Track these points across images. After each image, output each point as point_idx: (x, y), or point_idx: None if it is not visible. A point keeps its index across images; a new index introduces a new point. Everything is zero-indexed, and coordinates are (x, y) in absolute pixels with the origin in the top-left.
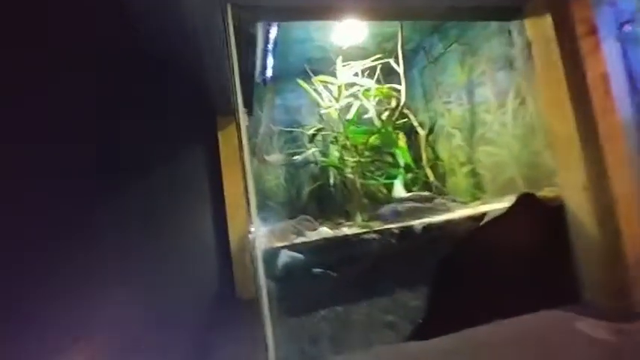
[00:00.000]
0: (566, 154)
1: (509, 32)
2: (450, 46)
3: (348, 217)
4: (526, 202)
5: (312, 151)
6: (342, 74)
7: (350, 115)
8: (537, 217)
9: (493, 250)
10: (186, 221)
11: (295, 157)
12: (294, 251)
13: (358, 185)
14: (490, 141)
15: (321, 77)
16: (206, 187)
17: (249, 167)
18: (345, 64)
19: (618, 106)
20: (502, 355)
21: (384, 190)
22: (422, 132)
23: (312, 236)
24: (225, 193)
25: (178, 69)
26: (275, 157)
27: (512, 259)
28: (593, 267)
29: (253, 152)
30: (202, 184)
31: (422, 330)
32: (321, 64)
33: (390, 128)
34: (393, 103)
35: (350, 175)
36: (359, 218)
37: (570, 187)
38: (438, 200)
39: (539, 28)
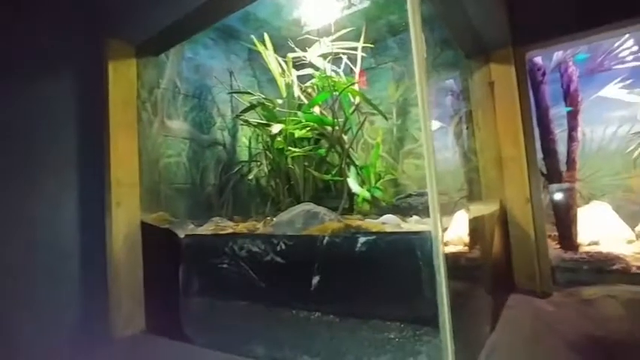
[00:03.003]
0: (514, 173)
1: (470, 69)
2: (386, 63)
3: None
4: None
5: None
6: (313, 50)
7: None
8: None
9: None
10: (42, 204)
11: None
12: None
13: (354, 176)
14: (420, 156)
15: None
16: (76, 149)
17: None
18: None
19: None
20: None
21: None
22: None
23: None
24: (110, 163)
25: None
26: (178, 125)
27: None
28: (527, 262)
29: (154, 110)
30: (69, 144)
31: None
32: (253, 26)
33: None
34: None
35: (293, 167)
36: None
37: (515, 199)
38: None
39: (502, 72)
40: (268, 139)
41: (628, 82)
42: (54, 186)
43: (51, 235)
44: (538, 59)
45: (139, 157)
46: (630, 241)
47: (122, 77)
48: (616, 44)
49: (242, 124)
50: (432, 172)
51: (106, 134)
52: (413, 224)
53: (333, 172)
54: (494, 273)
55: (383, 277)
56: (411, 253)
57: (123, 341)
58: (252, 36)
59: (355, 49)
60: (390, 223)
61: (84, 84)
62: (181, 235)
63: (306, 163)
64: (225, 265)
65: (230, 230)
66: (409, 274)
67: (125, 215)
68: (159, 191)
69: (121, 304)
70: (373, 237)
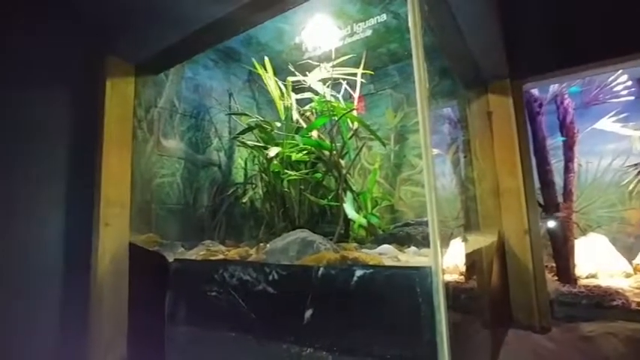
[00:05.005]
0: (512, 203)
1: (468, 98)
2: (385, 90)
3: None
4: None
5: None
6: (313, 75)
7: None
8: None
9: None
10: (26, 220)
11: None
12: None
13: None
14: (417, 183)
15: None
16: (66, 165)
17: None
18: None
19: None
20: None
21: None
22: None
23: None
24: (101, 181)
25: None
26: (174, 144)
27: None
28: (525, 295)
29: (150, 129)
30: (60, 159)
31: None
32: (254, 49)
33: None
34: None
35: (289, 190)
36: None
37: (513, 230)
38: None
39: (500, 103)
40: (265, 162)
41: (622, 115)
42: (40, 202)
43: (33, 253)
44: (535, 91)
45: (132, 175)
46: (628, 275)
47: (119, 95)
48: (610, 79)
49: (239, 146)
50: (433, 206)
51: (99, 151)
52: (411, 256)
53: (330, 197)
54: (492, 307)
55: (379, 313)
56: (410, 289)
57: None
58: (253, 59)
59: (355, 75)
60: (387, 254)
61: (79, 99)
62: (170, 259)
63: (302, 187)
64: (214, 293)
65: (221, 256)
66: (407, 311)
67: (113, 236)
68: (150, 211)
69: (102, 329)
70: (370, 270)
